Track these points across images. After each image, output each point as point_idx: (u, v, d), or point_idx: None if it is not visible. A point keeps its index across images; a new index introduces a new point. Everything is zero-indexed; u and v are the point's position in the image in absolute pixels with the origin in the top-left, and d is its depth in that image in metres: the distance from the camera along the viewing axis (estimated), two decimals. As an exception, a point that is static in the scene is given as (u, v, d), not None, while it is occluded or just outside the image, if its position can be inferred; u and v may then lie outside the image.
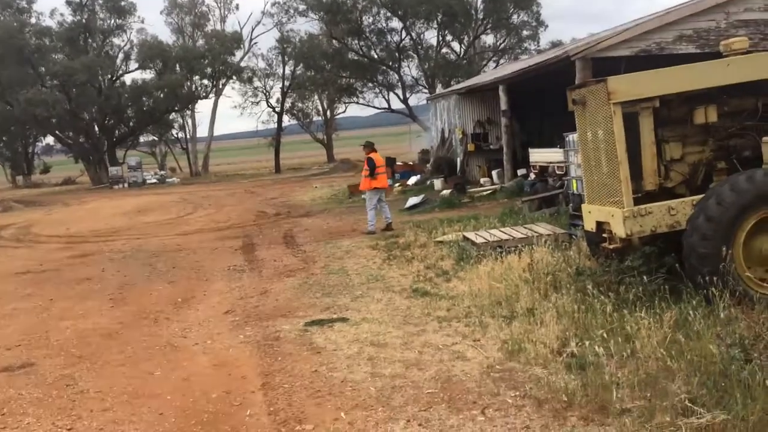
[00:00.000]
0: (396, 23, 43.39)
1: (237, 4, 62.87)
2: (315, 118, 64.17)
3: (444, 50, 45.66)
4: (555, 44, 45.93)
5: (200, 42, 53.86)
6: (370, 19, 43.30)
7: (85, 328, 8.33)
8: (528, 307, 6.92)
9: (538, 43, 44.63)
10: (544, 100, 20.63)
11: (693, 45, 13.09)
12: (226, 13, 59.41)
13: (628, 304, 6.29)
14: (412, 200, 17.99)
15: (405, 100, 45.49)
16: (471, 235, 10.75)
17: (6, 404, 5.88)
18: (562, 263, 8.20)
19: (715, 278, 5.93)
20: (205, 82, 49.74)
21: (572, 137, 10.40)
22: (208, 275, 11.39)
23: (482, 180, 21.82)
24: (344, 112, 68.10)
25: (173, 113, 51.76)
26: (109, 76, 49.07)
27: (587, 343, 5.60)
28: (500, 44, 45.76)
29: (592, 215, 7.44)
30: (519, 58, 45.26)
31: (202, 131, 63.93)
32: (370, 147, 14.83)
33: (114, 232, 19.36)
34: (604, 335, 5.58)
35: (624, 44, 12.98)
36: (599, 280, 6.94)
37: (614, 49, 12.97)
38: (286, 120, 58.08)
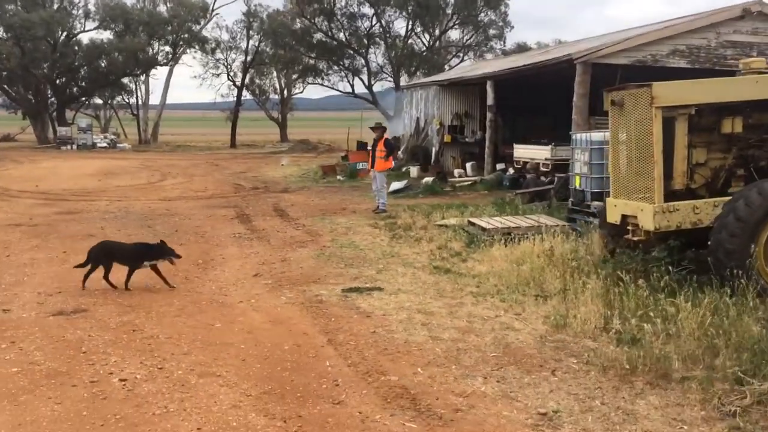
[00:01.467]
0: (368, 9, 43.69)
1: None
2: (271, 96, 63.79)
3: (411, 41, 46.11)
4: (521, 46, 47.12)
5: (161, 8, 52.84)
6: (343, 2, 43.43)
7: (118, 281, 8.48)
8: (561, 287, 7.48)
9: (504, 42, 45.63)
10: (520, 98, 21.31)
11: (685, 60, 13.96)
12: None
13: (658, 290, 6.91)
14: (396, 185, 18.43)
15: (369, 86, 45.84)
16: (479, 221, 11.28)
17: (81, 344, 6.09)
18: (581, 251, 8.81)
19: (740, 272, 6.61)
20: (167, 48, 48.80)
21: (580, 136, 11.03)
22: (216, 240, 11.60)
23: (456, 171, 22.42)
24: (302, 92, 67.99)
25: (131, 77, 50.55)
26: (65, 33, 47.59)
27: (633, 321, 6.17)
28: (467, 40, 46.50)
29: (617, 209, 8.06)
30: (484, 56, 46.25)
31: (154, 99, 62.42)
32: (383, 129, 15.14)
33: (89, 192, 19.15)
34: (650, 314, 6.18)
35: (622, 53, 13.74)
36: (626, 268, 7.56)
37: (613, 57, 13.72)
38: (244, 95, 57.35)
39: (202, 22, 48.71)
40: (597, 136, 10.65)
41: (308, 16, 43.75)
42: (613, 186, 8.23)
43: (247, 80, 55.11)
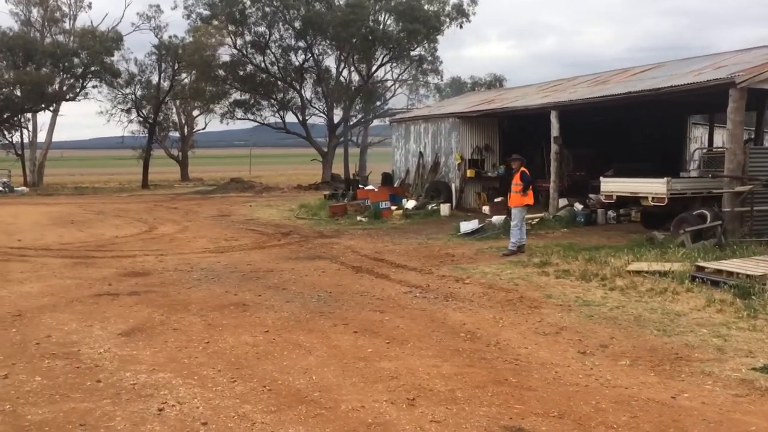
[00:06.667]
0: (302, 42, 41.51)
1: (90, 3, 55.93)
2: (171, 133, 59.79)
3: (344, 75, 44.41)
4: (455, 79, 46.85)
5: (50, 39, 47.71)
6: (277, 35, 41.02)
7: (450, 382, 6.22)
8: None
9: (441, 77, 44.97)
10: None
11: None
12: (77, 11, 52.99)
13: None
14: (467, 226, 16.65)
15: (303, 121, 43.52)
16: (721, 266, 9.85)
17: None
18: None
19: None
20: (73, 81, 43.94)
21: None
22: (406, 304, 9.38)
23: (484, 208, 20.96)
24: (204, 128, 64.29)
25: (31, 113, 45.16)
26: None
27: None
28: (400, 75, 45.43)
29: None
30: (418, 90, 45.62)
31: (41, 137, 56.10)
32: (521, 160, 13.46)
33: (101, 246, 15.90)
34: None
35: (777, 78, 13.00)
36: None
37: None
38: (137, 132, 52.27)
39: (116, 54, 44.33)
40: None
41: (240, 48, 41.06)
42: None
43: (144, 116, 50.26)
